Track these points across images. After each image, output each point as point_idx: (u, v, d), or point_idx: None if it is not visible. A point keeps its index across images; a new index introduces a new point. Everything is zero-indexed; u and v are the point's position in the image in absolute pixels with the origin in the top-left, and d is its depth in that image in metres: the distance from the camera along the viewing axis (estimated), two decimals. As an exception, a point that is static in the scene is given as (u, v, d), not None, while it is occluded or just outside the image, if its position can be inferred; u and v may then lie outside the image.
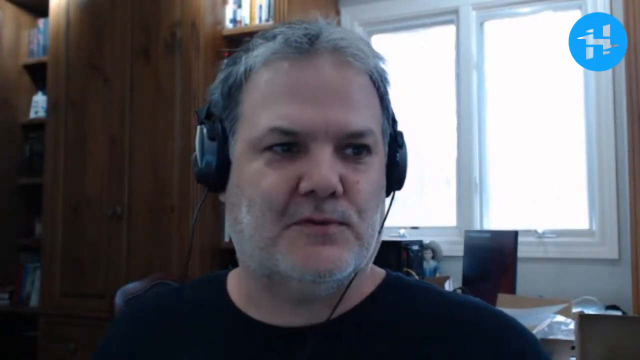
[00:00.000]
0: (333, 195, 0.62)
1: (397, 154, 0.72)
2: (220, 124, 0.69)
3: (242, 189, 0.65)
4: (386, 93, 0.70)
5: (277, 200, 0.62)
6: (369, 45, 0.69)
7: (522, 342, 0.67)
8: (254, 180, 0.64)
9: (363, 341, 0.67)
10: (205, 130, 0.69)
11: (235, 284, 0.75)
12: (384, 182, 0.69)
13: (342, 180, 0.62)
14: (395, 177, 0.72)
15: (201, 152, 0.69)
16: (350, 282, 0.65)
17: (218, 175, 0.69)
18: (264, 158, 0.64)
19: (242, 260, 0.70)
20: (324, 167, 0.61)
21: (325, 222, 0.62)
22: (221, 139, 0.68)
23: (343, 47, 0.65)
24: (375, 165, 0.67)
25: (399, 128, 0.74)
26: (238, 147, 0.67)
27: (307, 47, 0.65)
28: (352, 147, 0.64)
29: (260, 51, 0.66)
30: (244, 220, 0.65)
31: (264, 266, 0.65)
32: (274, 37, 0.66)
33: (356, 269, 0.65)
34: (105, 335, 0.81)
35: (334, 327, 0.67)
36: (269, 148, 0.63)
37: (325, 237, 0.62)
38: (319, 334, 0.66)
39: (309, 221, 0.62)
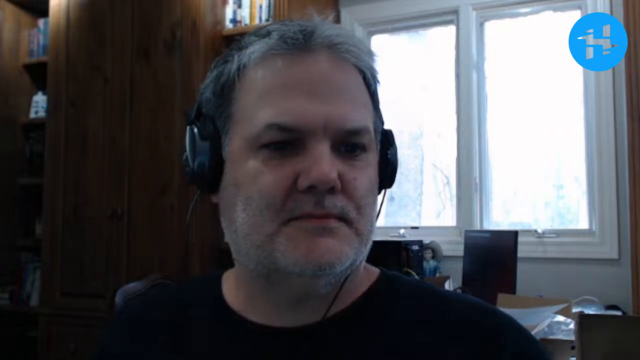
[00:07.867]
0: (332, 191, 0.62)
1: (389, 152, 0.73)
2: (212, 123, 0.68)
3: (238, 187, 0.65)
4: (376, 92, 0.70)
5: (275, 198, 0.62)
6: (362, 42, 0.69)
7: (520, 341, 0.67)
8: (251, 179, 0.63)
9: (359, 339, 0.67)
10: (196, 130, 0.68)
11: (232, 286, 0.74)
12: (377, 180, 0.69)
13: (340, 177, 0.62)
14: (387, 175, 0.72)
15: (192, 152, 0.68)
16: (345, 279, 0.65)
17: (211, 176, 0.68)
18: (261, 156, 0.63)
19: (239, 261, 0.70)
20: (323, 163, 0.61)
21: (325, 217, 0.62)
22: (214, 138, 0.67)
23: (338, 44, 0.65)
24: (371, 162, 0.67)
25: (387, 127, 0.74)
26: (233, 146, 0.66)
27: (303, 43, 0.64)
28: (348, 145, 0.64)
29: (255, 47, 0.66)
30: (238, 219, 0.64)
31: (262, 265, 0.64)
32: (268, 33, 0.66)
33: (354, 264, 0.65)
34: (100, 340, 0.80)
35: (330, 326, 0.67)
36: (266, 146, 0.63)
37: (325, 229, 0.62)
38: (316, 334, 0.66)
39: (309, 216, 0.62)
